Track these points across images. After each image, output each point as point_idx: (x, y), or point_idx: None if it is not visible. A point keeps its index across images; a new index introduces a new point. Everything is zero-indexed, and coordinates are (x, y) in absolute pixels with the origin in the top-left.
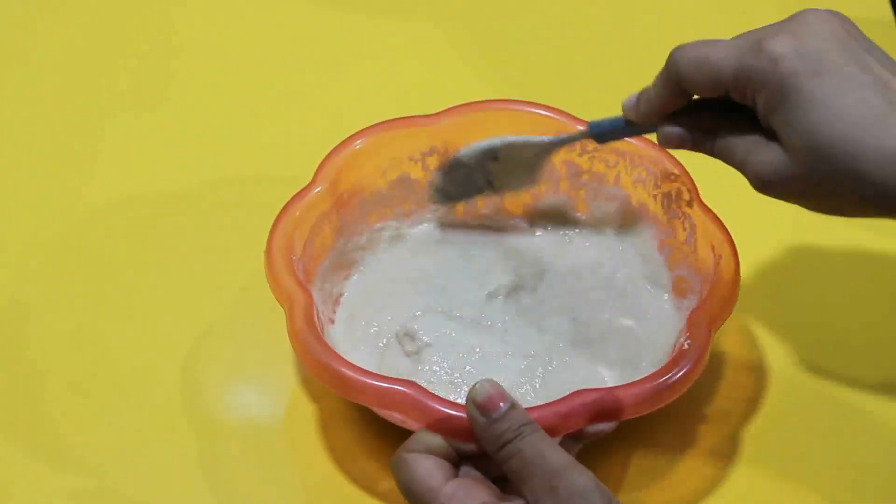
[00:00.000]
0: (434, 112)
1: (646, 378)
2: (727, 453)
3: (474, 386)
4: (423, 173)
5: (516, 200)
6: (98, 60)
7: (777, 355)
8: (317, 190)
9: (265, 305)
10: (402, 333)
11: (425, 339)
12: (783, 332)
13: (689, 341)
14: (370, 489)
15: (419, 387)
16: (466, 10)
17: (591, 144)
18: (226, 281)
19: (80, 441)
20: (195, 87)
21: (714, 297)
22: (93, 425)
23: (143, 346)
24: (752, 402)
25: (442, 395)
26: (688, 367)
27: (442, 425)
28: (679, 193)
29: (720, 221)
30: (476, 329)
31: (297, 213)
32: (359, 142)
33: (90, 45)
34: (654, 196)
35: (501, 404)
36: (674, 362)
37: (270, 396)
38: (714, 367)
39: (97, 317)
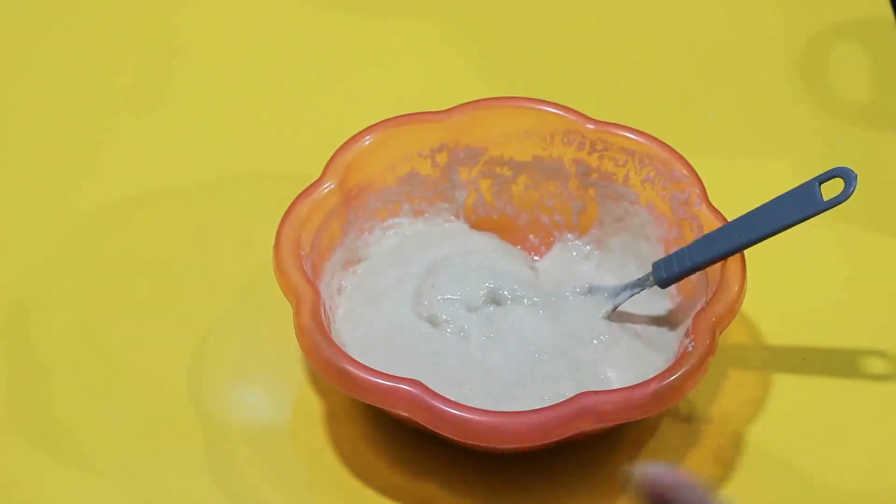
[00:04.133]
0: (441, 109)
1: (650, 380)
2: (732, 454)
3: (638, 473)
4: (433, 169)
5: (526, 200)
6: (100, 60)
7: (783, 356)
8: (326, 186)
9: (273, 302)
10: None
11: (442, 316)
12: (789, 333)
13: (693, 343)
14: (377, 486)
15: (424, 386)
16: (472, 7)
17: (600, 143)
18: (234, 278)
19: (85, 442)
20: (199, 86)
21: (720, 299)
22: (99, 426)
23: (149, 344)
24: (757, 403)
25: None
26: (692, 369)
27: (448, 426)
28: (688, 194)
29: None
30: (474, 329)
31: (306, 210)
32: (368, 138)
33: (92, 45)
34: (663, 196)
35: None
36: (678, 364)
37: (277, 393)
38: (719, 368)
39: (103, 316)
